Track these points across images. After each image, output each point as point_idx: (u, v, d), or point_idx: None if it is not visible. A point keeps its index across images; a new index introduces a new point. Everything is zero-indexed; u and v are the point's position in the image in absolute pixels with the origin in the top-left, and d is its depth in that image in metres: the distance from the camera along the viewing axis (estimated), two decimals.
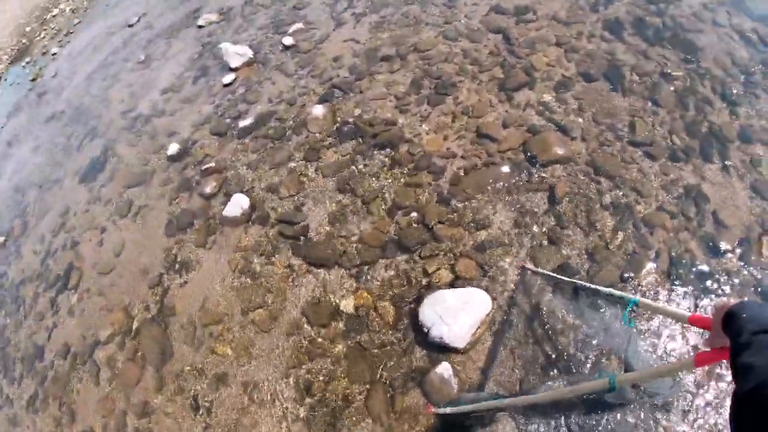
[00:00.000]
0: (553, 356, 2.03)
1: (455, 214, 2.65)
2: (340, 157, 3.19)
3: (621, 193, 2.50)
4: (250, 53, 4.61)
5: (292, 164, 3.27)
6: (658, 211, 2.39)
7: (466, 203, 2.68)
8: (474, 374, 2.10)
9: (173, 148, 3.93)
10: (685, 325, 1.19)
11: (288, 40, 4.45)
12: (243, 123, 3.82)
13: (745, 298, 0.94)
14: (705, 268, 2.13)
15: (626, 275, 2.18)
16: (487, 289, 2.29)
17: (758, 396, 0.63)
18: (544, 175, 2.68)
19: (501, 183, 2.70)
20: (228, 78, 4.42)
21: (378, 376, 2.22)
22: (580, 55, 3.22)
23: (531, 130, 2.90)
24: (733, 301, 0.90)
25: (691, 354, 1.19)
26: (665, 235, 2.31)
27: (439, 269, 2.47)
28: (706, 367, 1.55)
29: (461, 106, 3.18)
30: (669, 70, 2.97)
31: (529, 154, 2.79)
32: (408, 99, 3.36)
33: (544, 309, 2.16)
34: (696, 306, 1.99)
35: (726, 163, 2.50)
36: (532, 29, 3.53)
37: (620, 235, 2.33)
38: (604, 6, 3.54)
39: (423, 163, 2.95)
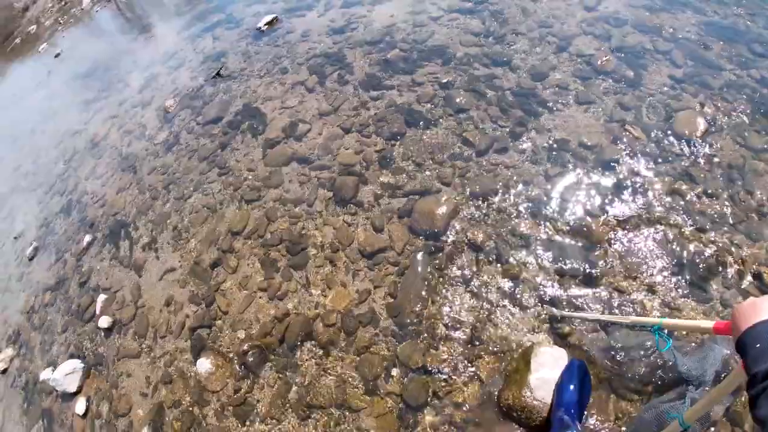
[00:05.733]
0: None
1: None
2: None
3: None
4: (79, 364, 3.78)
5: None
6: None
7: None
8: None
9: None
10: (712, 335, 1.11)
11: (104, 322, 3.73)
12: None
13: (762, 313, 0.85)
14: None
15: None
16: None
17: None
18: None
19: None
20: (80, 407, 3.56)
21: None
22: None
23: (402, 215, 2.86)
24: (747, 311, 0.89)
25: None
26: None
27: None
28: None
29: (324, 249, 2.92)
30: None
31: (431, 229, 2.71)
32: (273, 282, 3.00)
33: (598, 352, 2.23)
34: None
35: None
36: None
37: None
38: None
39: (349, 324, 2.67)
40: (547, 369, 2.11)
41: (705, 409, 1.28)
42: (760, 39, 3.46)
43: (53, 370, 3.84)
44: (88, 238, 4.44)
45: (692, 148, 2.98)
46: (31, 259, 4.77)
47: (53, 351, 4.13)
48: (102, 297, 3.99)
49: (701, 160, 2.91)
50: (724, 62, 3.38)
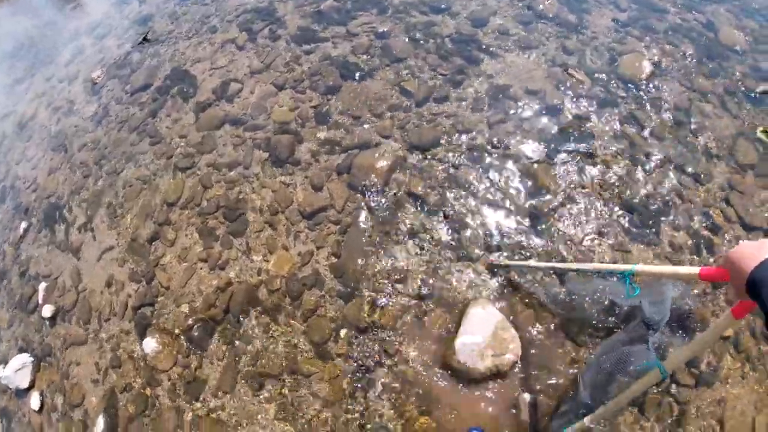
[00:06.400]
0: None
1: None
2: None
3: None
4: (28, 358, 3.62)
5: None
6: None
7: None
8: None
9: None
10: (698, 282, 1.04)
11: (47, 311, 3.56)
12: None
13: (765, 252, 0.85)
14: None
15: None
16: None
17: None
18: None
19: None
20: (35, 402, 3.43)
21: None
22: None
23: (341, 171, 2.76)
24: (749, 252, 0.86)
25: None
26: None
27: None
28: None
29: (263, 212, 2.80)
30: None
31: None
32: (212, 252, 2.87)
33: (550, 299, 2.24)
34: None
35: None
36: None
37: None
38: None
39: (294, 288, 2.57)
40: (468, 335, 2.17)
41: (688, 357, 1.25)
42: None
43: (3, 368, 3.67)
44: (24, 225, 4.19)
45: (638, 91, 2.94)
46: None
47: (2, 347, 3.95)
48: (43, 285, 3.79)
49: (647, 103, 2.89)
50: (669, 5, 3.32)
